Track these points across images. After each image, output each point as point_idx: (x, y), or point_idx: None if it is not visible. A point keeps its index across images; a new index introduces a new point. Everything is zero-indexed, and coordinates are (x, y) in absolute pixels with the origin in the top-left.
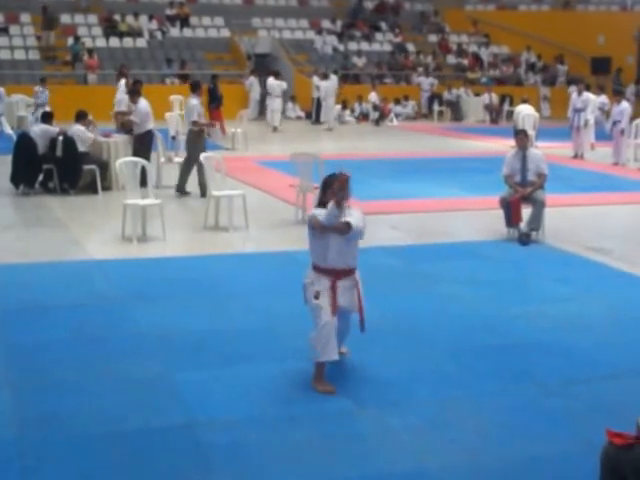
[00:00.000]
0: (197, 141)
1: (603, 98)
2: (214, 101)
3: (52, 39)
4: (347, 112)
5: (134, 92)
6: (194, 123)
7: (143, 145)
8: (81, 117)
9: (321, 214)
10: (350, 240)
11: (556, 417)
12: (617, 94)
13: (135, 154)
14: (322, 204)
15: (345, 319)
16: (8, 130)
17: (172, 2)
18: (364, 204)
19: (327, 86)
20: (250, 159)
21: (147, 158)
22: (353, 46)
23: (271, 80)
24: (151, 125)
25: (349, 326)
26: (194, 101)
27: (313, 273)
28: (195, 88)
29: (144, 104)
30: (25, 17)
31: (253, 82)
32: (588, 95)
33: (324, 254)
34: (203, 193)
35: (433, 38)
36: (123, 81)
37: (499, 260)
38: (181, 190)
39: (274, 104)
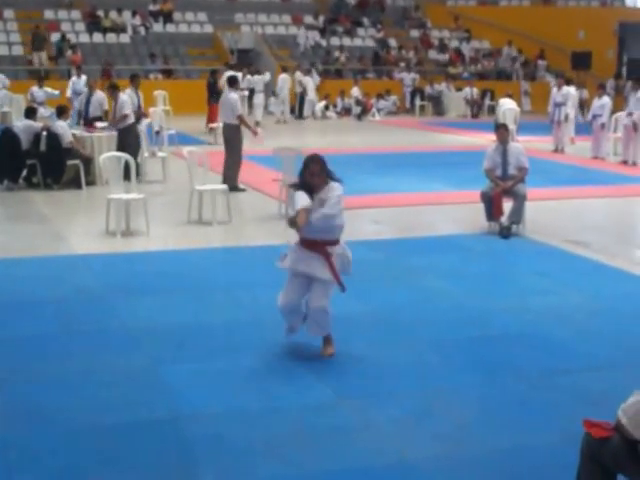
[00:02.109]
0: (234, 136)
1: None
2: (214, 96)
3: (44, 60)
4: (329, 108)
5: (114, 87)
6: (239, 117)
7: (128, 139)
8: (62, 113)
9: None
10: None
11: (537, 408)
12: (599, 88)
13: (119, 149)
14: (301, 183)
15: (312, 297)
16: None
17: None
18: (347, 199)
19: (284, 78)
20: None
21: (133, 152)
22: (335, 41)
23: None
24: (132, 119)
25: (318, 313)
26: (235, 95)
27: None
28: (233, 83)
29: (126, 97)
30: (9, 13)
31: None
32: (568, 89)
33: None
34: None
35: (415, 33)
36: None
37: (480, 253)
38: (232, 188)
39: (257, 99)
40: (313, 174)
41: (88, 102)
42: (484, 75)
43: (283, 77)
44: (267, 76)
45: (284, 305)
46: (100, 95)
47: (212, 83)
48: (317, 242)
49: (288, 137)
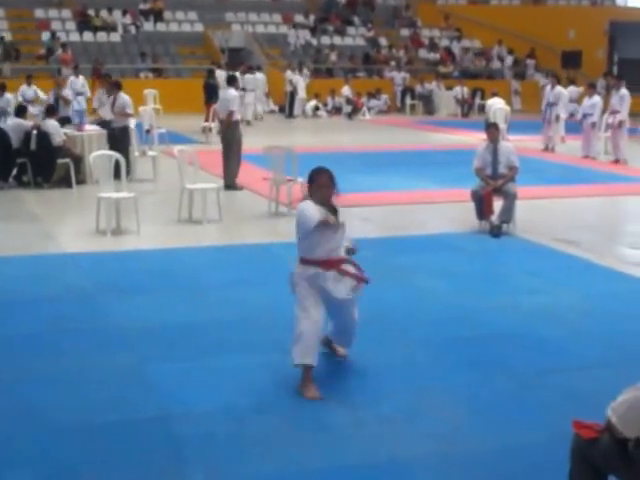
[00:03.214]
0: (232, 133)
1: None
2: (213, 96)
3: (8, 71)
4: (319, 108)
5: (116, 85)
6: (229, 113)
7: (122, 139)
8: (52, 112)
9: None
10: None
11: (528, 407)
12: (589, 87)
13: (112, 147)
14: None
15: (344, 315)
16: None
17: None
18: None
19: (254, 79)
20: None
21: (125, 152)
22: (326, 40)
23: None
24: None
25: (352, 324)
26: (234, 92)
27: (302, 266)
28: (232, 81)
29: (127, 97)
30: None
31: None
32: (560, 89)
33: (315, 246)
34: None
35: (405, 32)
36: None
37: (471, 252)
38: (230, 186)
39: (248, 98)
40: (322, 186)
41: (57, 101)
42: (474, 74)
43: (250, 77)
44: (258, 75)
45: (314, 330)
46: (66, 92)
47: (210, 84)
48: (331, 260)
49: (278, 136)
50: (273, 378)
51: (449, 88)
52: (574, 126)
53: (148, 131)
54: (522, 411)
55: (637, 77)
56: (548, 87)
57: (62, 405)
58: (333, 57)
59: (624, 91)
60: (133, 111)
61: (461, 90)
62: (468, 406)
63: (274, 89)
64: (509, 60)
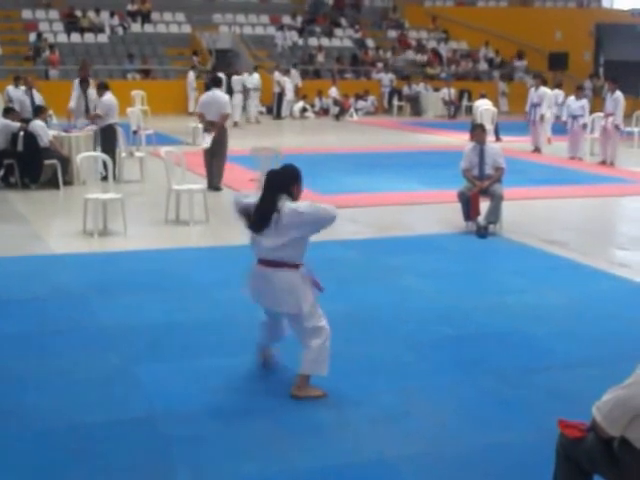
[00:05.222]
0: (223, 135)
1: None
2: None
3: None
4: (307, 110)
5: (103, 86)
6: (223, 116)
7: (106, 139)
8: (40, 112)
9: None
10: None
11: (514, 406)
12: (577, 89)
13: (100, 148)
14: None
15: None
16: None
17: None
18: (324, 198)
19: (241, 80)
20: None
21: (111, 152)
22: (313, 42)
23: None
24: (115, 119)
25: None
26: (226, 96)
27: (303, 271)
28: (218, 83)
29: (109, 97)
30: None
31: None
32: (545, 90)
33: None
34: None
35: (393, 34)
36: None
37: (457, 253)
38: (215, 187)
39: (235, 100)
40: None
41: (33, 102)
42: (462, 75)
43: (237, 78)
44: (245, 77)
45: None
46: (37, 95)
47: (207, 84)
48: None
49: (266, 137)
50: (260, 379)
51: (436, 89)
52: (559, 127)
53: (135, 132)
54: (508, 410)
55: (622, 79)
56: (532, 88)
57: (48, 405)
58: (320, 58)
59: (618, 94)
60: (103, 112)
61: (448, 91)
62: (454, 405)
63: (261, 90)
64: (520, 63)
